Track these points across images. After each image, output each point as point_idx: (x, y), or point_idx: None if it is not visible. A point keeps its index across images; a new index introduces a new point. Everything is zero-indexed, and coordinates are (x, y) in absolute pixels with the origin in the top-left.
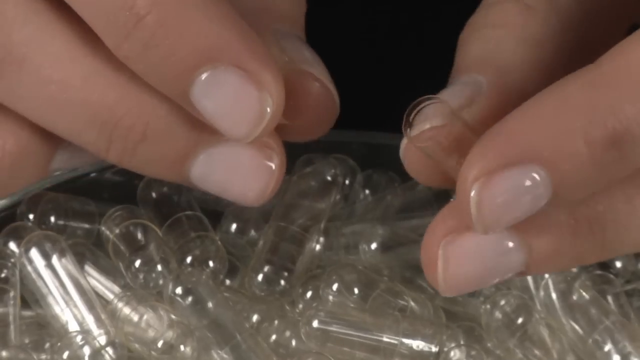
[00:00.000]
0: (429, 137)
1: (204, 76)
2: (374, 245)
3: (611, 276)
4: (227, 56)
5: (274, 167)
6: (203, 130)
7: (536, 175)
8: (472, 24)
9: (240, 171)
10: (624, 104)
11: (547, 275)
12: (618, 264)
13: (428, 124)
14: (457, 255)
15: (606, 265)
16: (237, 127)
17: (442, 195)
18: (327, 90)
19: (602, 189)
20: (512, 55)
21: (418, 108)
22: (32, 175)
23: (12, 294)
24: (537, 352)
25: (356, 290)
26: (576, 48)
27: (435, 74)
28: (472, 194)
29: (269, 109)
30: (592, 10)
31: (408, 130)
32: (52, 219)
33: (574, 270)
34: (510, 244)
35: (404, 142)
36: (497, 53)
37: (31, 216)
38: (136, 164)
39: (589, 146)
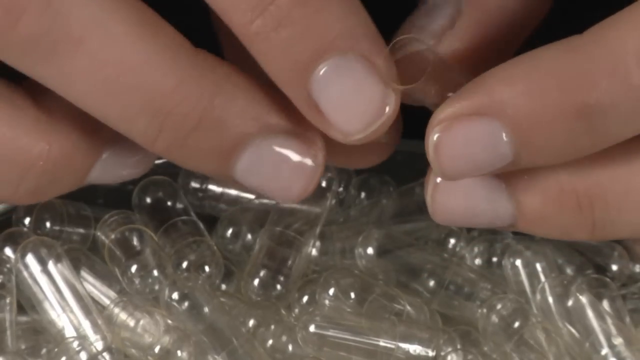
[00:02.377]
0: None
1: (330, 62)
2: (369, 250)
3: (607, 280)
4: (357, 46)
5: (317, 165)
6: (254, 122)
7: (497, 131)
8: None
9: (286, 167)
10: (597, 76)
11: (543, 279)
12: (614, 267)
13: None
14: (445, 189)
15: (602, 269)
16: (352, 120)
17: None
18: None
19: (569, 159)
20: None
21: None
22: (70, 184)
23: (8, 299)
24: (533, 356)
25: (352, 295)
26: None
27: None
28: (432, 136)
29: (388, 108)
30: None
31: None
32: (48, 224)
33: (570, 273)
34: (499, 193)
35: None
36: None
37: (27, 222)
38: (182, 155)
39: (554, 112)
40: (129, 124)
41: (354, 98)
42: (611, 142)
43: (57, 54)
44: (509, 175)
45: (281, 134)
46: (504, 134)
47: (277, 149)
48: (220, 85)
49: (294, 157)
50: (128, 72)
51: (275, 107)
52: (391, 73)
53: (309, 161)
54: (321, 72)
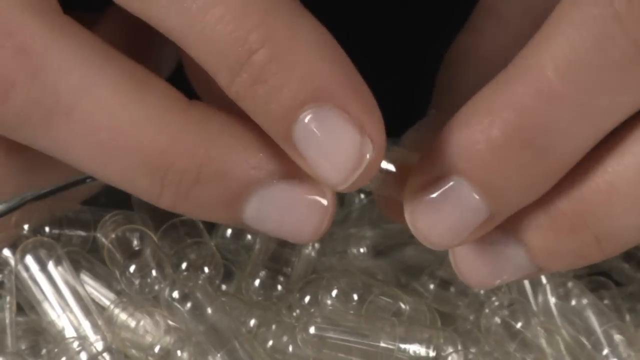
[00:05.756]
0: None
1: (308, 115)
2: (368, 250)
3: (607, 280)
4: (332, 97)
5: (326, 203)
6: (255, 172)
7: (457, 187)
8: (452, 50)
9: (294, 210)
10: (525, 100)
11: (544, 280)
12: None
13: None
14: (463, 259)
15: (603, 270)
16: (334, 171)
17: None
18: None
19: (538, 191)
20: (465, 80)
21: None
22: None
23: (8, 299)
24: (534, 356)
25: (355, 297)
26: None
27: (429, 76)
28: (406, 214)
29: (368, 155)
30: None
31: None
32: (47, 228)
33: (571, 274)
34: (512, 246)
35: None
36: (454, 80)
37: (26, 226)
38: (189, 208)
39: (499, 150)
40: (131, 183)
41: (332, 148)
42: (565, 160)
43: (49, 123)
44: (514, 226)
45: (283, 179)
46: (465, 188)
47: (281, 194)
48: (215, 138)
49: (301, 199)
50: (121, 134)
51: (274, 153)
52: (374, 123)
53: (317, 202)
54: (300, 125)
